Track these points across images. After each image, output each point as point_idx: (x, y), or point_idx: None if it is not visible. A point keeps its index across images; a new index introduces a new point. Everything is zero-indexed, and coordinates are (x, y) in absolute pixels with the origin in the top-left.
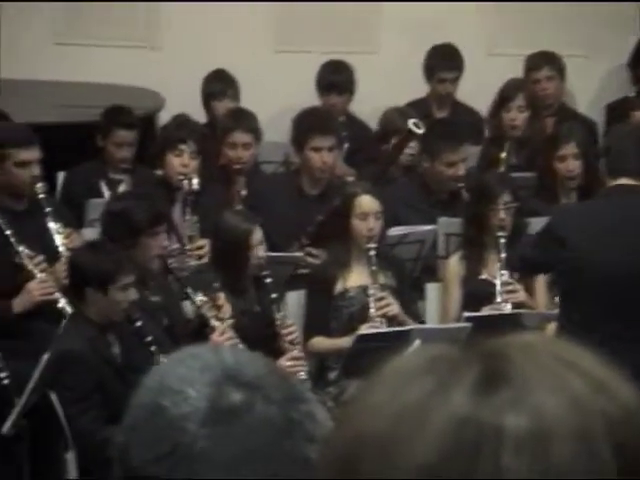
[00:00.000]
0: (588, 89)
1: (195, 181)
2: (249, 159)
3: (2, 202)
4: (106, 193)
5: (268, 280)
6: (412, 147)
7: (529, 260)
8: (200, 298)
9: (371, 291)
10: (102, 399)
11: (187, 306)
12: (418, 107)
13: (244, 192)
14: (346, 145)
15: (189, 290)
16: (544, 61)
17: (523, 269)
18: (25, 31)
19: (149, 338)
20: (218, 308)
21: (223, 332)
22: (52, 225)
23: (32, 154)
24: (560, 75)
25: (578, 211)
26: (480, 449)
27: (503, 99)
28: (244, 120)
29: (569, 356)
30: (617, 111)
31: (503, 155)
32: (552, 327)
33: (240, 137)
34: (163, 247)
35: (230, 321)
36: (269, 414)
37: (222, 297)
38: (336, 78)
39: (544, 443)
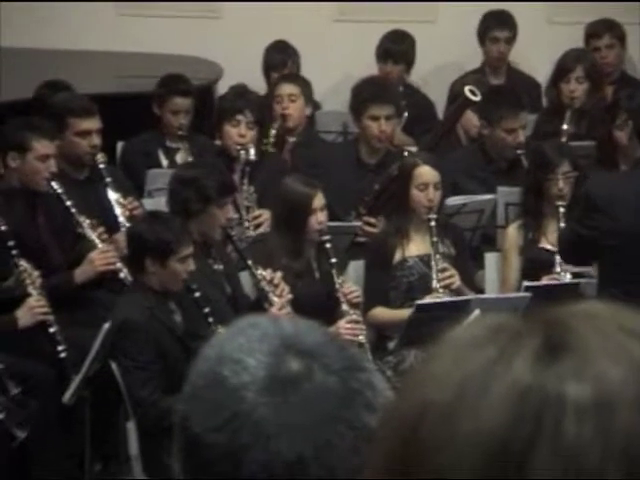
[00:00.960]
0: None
1: (252, 151)
2: (297, 113)
3: (63, 171)
4: (164, 162)
5: (328, 245)
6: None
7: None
8: (260, 272)
9: (433, 262)
10: (163, 368)
11: (245, 277)
12: (476, 75)
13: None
14: (405, 114)
15: (249, 262)
16: (604, 29)
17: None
18: (87, 3)
19: (207, 309)
20: (275, 286)
21: (281, 307)
22: (112, 195)
23: (92, 124)
24: (621, 43)
25: (618, 181)
26: (543, 417)
27: (562, 70)
28: (293, 76)
29: (632, 325)
30: None
31: (565, 127)
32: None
33: (285, 88)
34: (228, 218)
35: (289, 296)
36: (328, 383)
37: (279, 276)
38: (393, 47)
39: (606, 411)
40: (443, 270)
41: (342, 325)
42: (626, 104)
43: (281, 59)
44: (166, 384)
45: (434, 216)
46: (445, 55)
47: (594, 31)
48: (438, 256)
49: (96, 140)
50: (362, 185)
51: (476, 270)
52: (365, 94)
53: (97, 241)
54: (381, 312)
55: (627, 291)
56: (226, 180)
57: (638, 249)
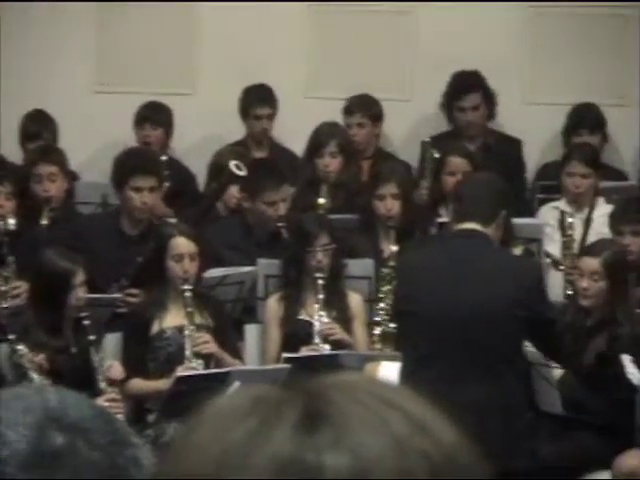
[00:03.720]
0: (405, 130)
1: (11, 221)
2: (58, 192)
3: None
4: None
5: (86, 322)
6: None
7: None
8: (21, 347)
9: (186, 332)
10: None
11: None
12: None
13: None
14: (167, 184)
15: (11, 337)
16: (357, 106)
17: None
18: None
19: None
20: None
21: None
22: None
23: None
24: (373, 120)
25: (421, 255)
26: None
27: (315, 144)
28: (50, 153)
29: (390, 396)
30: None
31: (321, 200)
32: (371, 367)
33: (45, 169)
34: None
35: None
36: (93, 458)
37: (42, 357)
38: (151, 113)
39: None
40: (197, 339)
41: (100, 403)
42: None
43: (37, 129)
44: None
45: (189, 287)
46: (206, 127)
47: (347, 108)
48: (193, 327)
49: None
50: (124, 257)
51: (237, 341)
52: (128, 165)
53: None
54: (139, 383)
55: (423, 359)
56: None
57: (432, 318)
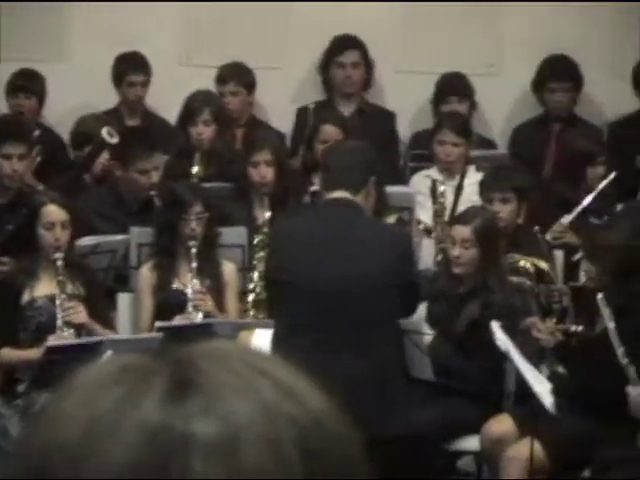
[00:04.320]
0: (280, 99)
1: None
2: None
3: None
4: None
5: None
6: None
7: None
8: None
9: (58, 301)
10: None
11: None
12: (111, 116)
13: None
14: (38, 153)
15: None
16: (231, 74)
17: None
18: None
19: None
20: None
21: None
22: None
23: None
24: (246, 88)
25: (294, 224)
26: (171, 456)
27: (189, 112)
28: None
29: (260, 363)
30: (306, 117)
31: (195, 168)
32: (244, 335)
33: None
34: None
35: None
36: None
37: None
38: (24, 81)
39: (233, 448)
40: (67, 308)
41: None
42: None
43: None
44: None
45: (61, 255)
46: (79, 95)
47: (220, 77)
48: (64, 295)
49: None
50: None
51: (110, 310)
52: None
53: None
54: (9, 352)
55: (297, 329)
56: None
57: (305, 288)
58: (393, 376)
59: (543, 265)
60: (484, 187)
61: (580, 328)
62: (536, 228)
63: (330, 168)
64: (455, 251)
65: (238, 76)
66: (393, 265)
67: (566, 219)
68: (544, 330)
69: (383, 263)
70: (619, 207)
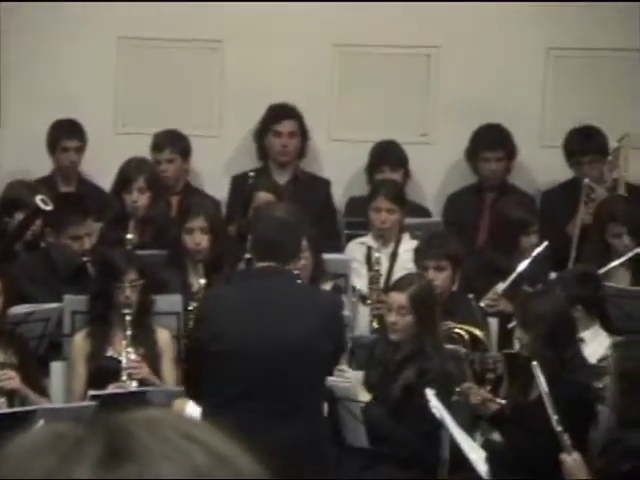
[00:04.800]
0: (215, 166)
1: None
2: None
3: None
4: None
5: None
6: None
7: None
8: None
9: None
10: None
11: None
12: (44, 183)
13: None
14: None
15: None
16: (166, 142)
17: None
18: None
19: None
20: None
21: None
22: None
23: None
24: (182, 155)
25: (225, 293)
26: None
27: (123, 180)
28: None
29: (194, 431)
30: (242, 185)
31: (129, 235)
32: (179, 403)
33: None
34: None
35: None
36: None
37: None
38: None
39: None
40: (1, 376)
41: None
42: None
43: None
44: None
45: None
46: (14, 162)
47: (156, 144)
48: None
49: None
50: None
51: (43, 378)
52: None
53: None
54: None
55: (229, 399)
56: None
57: (237, 357)
58: (325, 441)
59: (477, 332)
60: (418, 255)
61: (504, 402)
62: (470, 296)
63: (259, 240)
64: (391, 317)
65: (173, 143)
66: (323, 330)
67: (500, 287)
68: (480, 395)
69: (313, 328)
70: (552, 275)
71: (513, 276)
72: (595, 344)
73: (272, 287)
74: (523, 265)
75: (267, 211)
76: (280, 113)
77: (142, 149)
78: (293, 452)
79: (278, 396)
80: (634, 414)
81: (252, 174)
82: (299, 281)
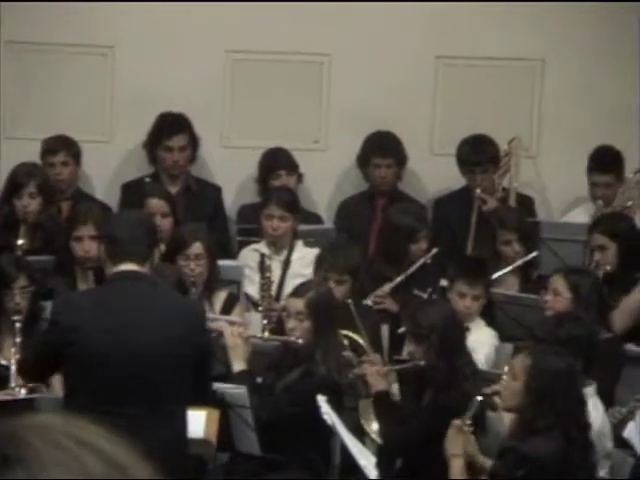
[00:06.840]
0: (106, 172)
1: None
2: None
3: None
4: None
5: None
6: None
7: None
8: None
9: None
10: None
11: None
12: None
13: None
14: None
15: None
16: (60, 145)
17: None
18: None
19: None
20: None
21: None
22: None
23: None
24: (75, 160)
25: (82, 299)
26: None
27: (14, 185)
28: None
29: (84, 435)
30: (132, 193)
31: (20, 241)
32: None
33: None
34: None
35: None
36: None
37: None
38: None
39: None
40: None
41: None
42: None
43: None
44: None
45: None
46: None
47: (49, 147)
48: None
49: None
50: None
51: None
52: None
53: None
54: None
55: (96, 402)
56: None
57: (100, 361)
58: (187, 446)
59: (355, 337)
60: (320, 265)
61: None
62: (349, 301)
63: (115, 240)
64: (290, 323)
65: (67, 147)
66: (181, 335)
67: (387, 286)
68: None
69: (177, 333)
70: (442, 283)
71: (402, 277)
72: (477, 331)
73: (129, 292)
74: (413, 267)
75: (118, 215)
76: (170, 127)
77: (30, 155)
78: (167, 456)
79: (134, 401)
80: (536, 424)
81: (148, 179)
82: (160, 286)
